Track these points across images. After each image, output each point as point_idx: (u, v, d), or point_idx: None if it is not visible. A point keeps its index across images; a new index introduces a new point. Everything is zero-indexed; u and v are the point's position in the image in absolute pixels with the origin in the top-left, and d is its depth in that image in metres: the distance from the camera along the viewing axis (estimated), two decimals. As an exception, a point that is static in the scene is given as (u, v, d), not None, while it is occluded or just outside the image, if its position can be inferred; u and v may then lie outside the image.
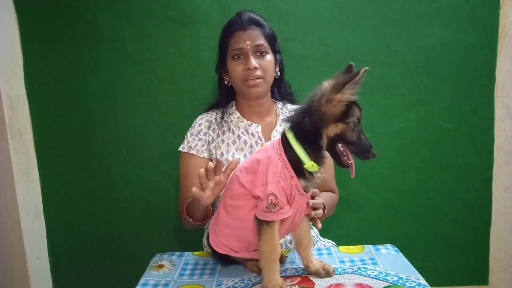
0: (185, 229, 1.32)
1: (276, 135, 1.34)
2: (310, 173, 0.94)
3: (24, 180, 1.69)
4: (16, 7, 1.65)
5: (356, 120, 0.89)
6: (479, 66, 1.72)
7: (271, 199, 0.90)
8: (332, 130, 0.89)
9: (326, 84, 0.90)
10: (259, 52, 1.28)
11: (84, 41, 1.67)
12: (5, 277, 1.73)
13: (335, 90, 0.88)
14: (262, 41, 1.28)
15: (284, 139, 0.94)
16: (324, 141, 0.90)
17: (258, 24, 1.31)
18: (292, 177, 0.92)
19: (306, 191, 0.95)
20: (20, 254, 1.69)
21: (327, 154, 0.94)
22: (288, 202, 0.93)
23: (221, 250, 1.03)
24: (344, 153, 0.91)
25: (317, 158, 0.92)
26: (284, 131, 0.96)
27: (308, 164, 0.91)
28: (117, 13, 1.65)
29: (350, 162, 0.92)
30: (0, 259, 1.72)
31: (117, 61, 1.68)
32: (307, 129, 0.91)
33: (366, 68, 0.85)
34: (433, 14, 1.68)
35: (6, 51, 1.62)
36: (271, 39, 1.32)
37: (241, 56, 1.28)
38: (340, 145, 0.91)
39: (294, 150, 0.92)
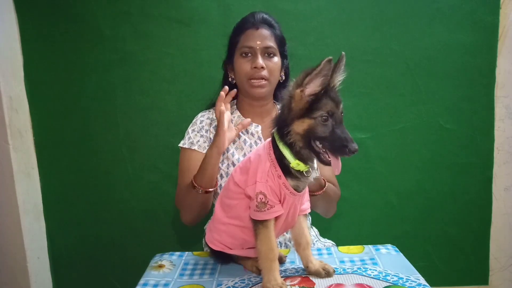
0: (185, 222, 1.31)
1: None
2: (301, 172, 0.92)
3: (24, 180, 1.68)
4: (16, 7, 1.65)
5: (326, 114, 0.85)
6: (479, 66, 1.72)
7: (260, 198, 0.90)
8: (299, 126, 0.87)
9: (294, 80, 0.89)
10: (267, 54, 1.29)
11: (84, 41, 1.67)
12: (6, 277, 1.73)
13: (295, 85, 0.87)
14: (272, 43, 1.29)
15: (273, 138, 0.94)
16: (295, 139, 0.88)
17: (270, 26, 1.32)
18: (280, 176, 0.91)
19: (297, 190, 0.94)
20: (20, 254, 1.69)
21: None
22: (280, 201, 0.93)
23: (215, 247, 1.04)
24: (323, 150, 0.87)
25: (302, 156, 0.90)
26: (273, 130, 0.96)
27: (293, 162, 0.90)
28: (117, 13, 1.65)
29: (329, 159, 0.87)
30: (0, 259, 1.72)
31: (117, 61, 1.68)
32: (282, 128, 0.90)
33: (330, 58, 0.82)
34: (433, 14, 1.68)
35: (6, 51, 1.62)
36: (281, 42, 1.33)
37: (249, 54, 1.29)
38: (318, 142, 0.87)
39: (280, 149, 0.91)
